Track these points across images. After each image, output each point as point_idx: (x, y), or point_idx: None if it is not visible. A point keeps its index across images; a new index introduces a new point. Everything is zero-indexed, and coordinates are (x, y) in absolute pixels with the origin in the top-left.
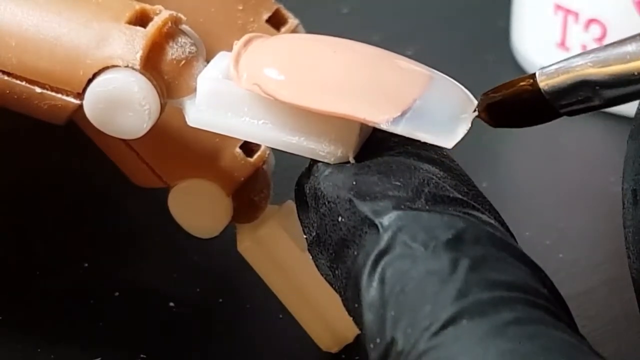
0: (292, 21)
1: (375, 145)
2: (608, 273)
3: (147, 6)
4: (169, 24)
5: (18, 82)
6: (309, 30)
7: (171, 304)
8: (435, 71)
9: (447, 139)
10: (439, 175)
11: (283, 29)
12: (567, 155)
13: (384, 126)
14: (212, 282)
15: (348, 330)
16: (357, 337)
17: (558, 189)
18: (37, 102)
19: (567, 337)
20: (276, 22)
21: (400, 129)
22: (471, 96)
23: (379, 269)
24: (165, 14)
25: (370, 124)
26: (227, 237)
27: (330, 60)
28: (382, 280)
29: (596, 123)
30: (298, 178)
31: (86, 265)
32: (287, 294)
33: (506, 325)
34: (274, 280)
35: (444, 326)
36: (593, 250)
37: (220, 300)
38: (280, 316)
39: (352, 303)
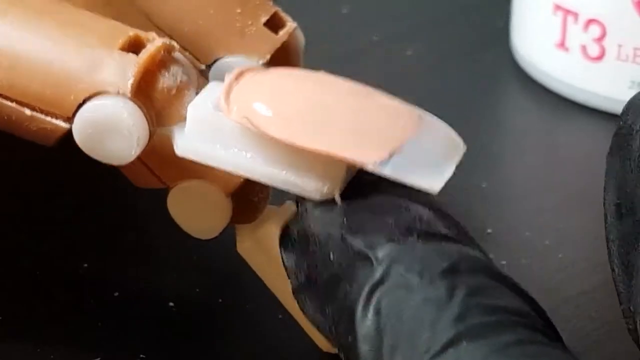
0: (290, 24)
1: (363, 183)
2: (608, 273)
3: (141, 33)
4: (162, 52)
5: (8, 103)
6: (309, 31)
7: (171, 303)
8: (424, 112)
9: (433, 184)
10: (429, 215)
11: (281, 32)
12: (567, 156)
13: (371, 167)
14: (212, 282)
15: None
16: None
17: (558, 189)
18: (27, 123)
19: (570, 357)
20: (274, 25)
21: (387, 172)
22: (458, 139)
23: (374, 300)
24: (158, 42)
25: (357, 165)
26: (227, 237)
27: (321, 98)
28: (377, 311)
29: (596, 123)
30: (284, 226)
31: (86, 265)
32: (286, 295)
33: (507, 346)
34: (274, 281)
35: (443, 348)
36: (593, 250)
37: (220, 300)
38: (280, 316)
39: (345, 337)
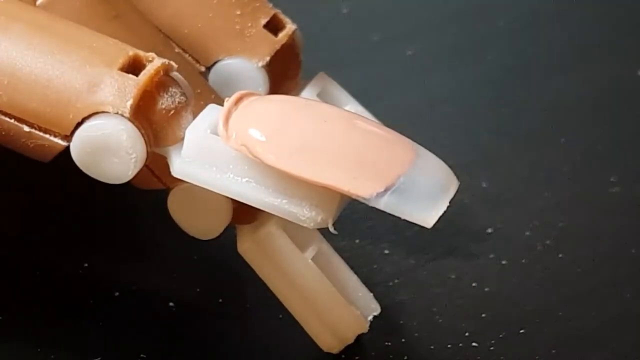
0: (290, 26)
1: None
2: (608, 273)
3: (141, 53)
4: (161, 73)
5: (7, 119)
6: (308, 31)
7: (171, 303)
8: (419, 146)
9: (427, 218)
10: None
11: (281, 34)
12: (567, 155)
13: (366, 200)
14: (212, 282)
15: (349, 330)
16: (358, 337)
17: (558, 188)
18: (25, 140)
19: None
20: (274, 27)
21: (383, 205)
22: (452, 174)
23: None
24: (157, 62)
25: (353, 196)
26: (228, 237)
27: (318, 128)
28: None
29: (596, 123)
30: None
31: (86, 265)
32: (287, 295)
33: None
34: (274, 281)
35: None
36: (593, 250)
37: (220, 300)
38: (280, 316)
39: None
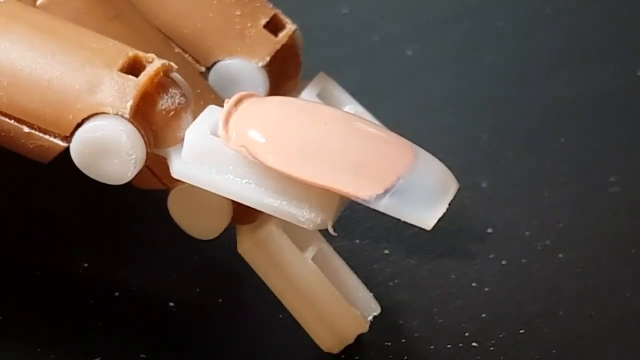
0: (290, 26)
1: None
2: (608, 273)
3: (140, 53)
4: (161, 74)
5: (6, 120)
6: (309, 31)
7: (171, 304)
8: (419, 147)
9: (426, 220)
10: None
11: (281, 34)
12: (567, 155)
13: (366, 202)
14: (212, 282)
15: (349, 330)
16: (358, 338)
17: (558, 188)
18: (24, 140)
19: None
20: (274, 27)
21: (382, 207)
22: (452, 176)
23: None
24: (157, 63)
25: (352, 198)
26: (228, 237)
27: (318, 129)
28: None
29: (596, 123)
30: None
31: (86, 265)
32: (287, 295)
33: None
34: (274, 282)
35: None
36: (593, 250)
37: (220, 300)
38: (280, 316)
39: None
